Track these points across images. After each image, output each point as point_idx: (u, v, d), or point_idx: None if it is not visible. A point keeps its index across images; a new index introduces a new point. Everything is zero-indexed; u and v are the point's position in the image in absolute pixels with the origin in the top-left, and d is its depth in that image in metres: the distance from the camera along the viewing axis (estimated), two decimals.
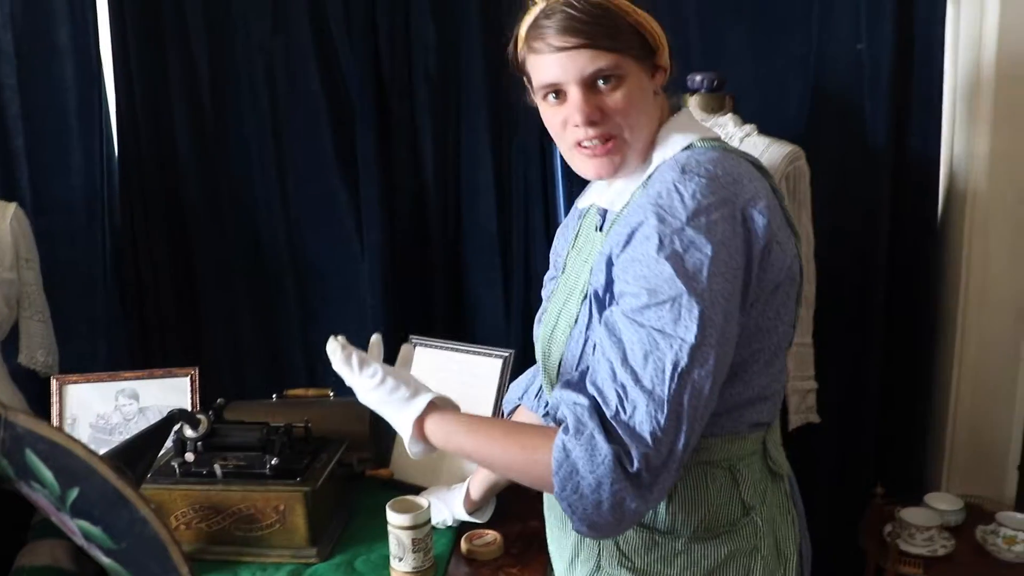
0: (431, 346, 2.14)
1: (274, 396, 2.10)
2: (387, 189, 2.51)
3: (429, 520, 1.66)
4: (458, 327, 2.59)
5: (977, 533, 2.08)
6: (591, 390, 1.04)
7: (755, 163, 1.18)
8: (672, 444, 0.99)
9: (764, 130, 1.98)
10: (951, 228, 2.34)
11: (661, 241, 1.03)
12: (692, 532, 1.19)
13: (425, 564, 1.64)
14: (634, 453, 0.98)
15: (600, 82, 1.15)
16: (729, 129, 1.96)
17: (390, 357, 1.37)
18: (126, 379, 2.10)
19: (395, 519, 1.62)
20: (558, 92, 1.18)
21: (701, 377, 1.00)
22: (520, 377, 1.66)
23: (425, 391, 1.24)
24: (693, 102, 2.00)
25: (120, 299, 2.60)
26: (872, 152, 2.27)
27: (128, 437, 1.51)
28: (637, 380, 1.00)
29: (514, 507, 1.79)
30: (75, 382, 2.09)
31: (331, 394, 2.11)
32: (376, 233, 2.51)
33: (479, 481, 1.75)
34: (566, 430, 1.03)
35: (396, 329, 2.44)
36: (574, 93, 1.15)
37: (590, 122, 1.16)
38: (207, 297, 2.68)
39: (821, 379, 2.12)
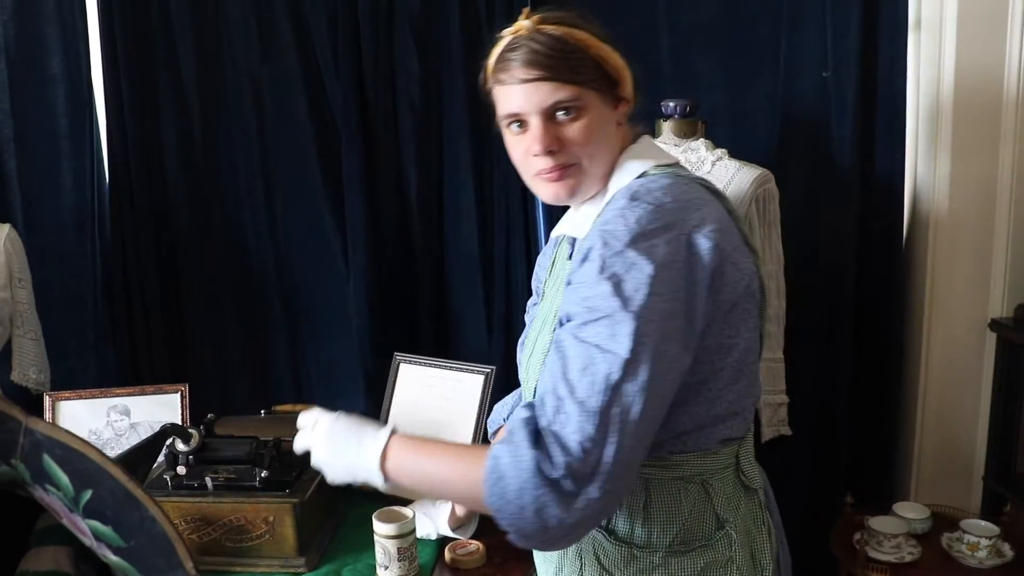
0: (415, 363, 2.21)
1: (262, 412, 2.14)
2: (372, 212, 2.57)
3: (414, 530, 1.71)
4: (442, 345, 2.65)
5: (943, 540, 2.14)
6: (535, 402, 1.07)
7: (709, 187, 1.23)
8: (600, 455, 1.00)
9: (735, 154, 2.06)
10: (916, 247, 2.43)
11: (603, 263, 1.07)
12: (668, 546, 1.22)
13: (410, 573, 1.69)
14: (557, 460, 0.99)
15: (560, 113, 1.20)
16: (701, 153, 2.04)
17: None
18: (117, 395, 2.15)
19: (381, 528, 1.68)
20: (521, 122, 1.23)
21: (633, 391, 1.02)
22: (505, 398, 1.70)
23: (382, 426, 1.20)
24: (667, 127, 2.08)
25: (110, 318, 2.64)
26: (839, 175, 2.36)
27: (122, 451, 1.55)
28: (572, 392, 1.03)
29: None
30: (67, 399, 2.13)
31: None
32: (362, 254, 2.57)
33: None
34: (502, 441, 1.06)
35: (382, 347, 2.51)
36: (535, 123, 1.21)
37: (548, 151, 1.21)
38: (196, 316, 2.72)
39: (793, 393, 2.19)
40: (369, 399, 2.59)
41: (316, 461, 1.21)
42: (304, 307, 2.74)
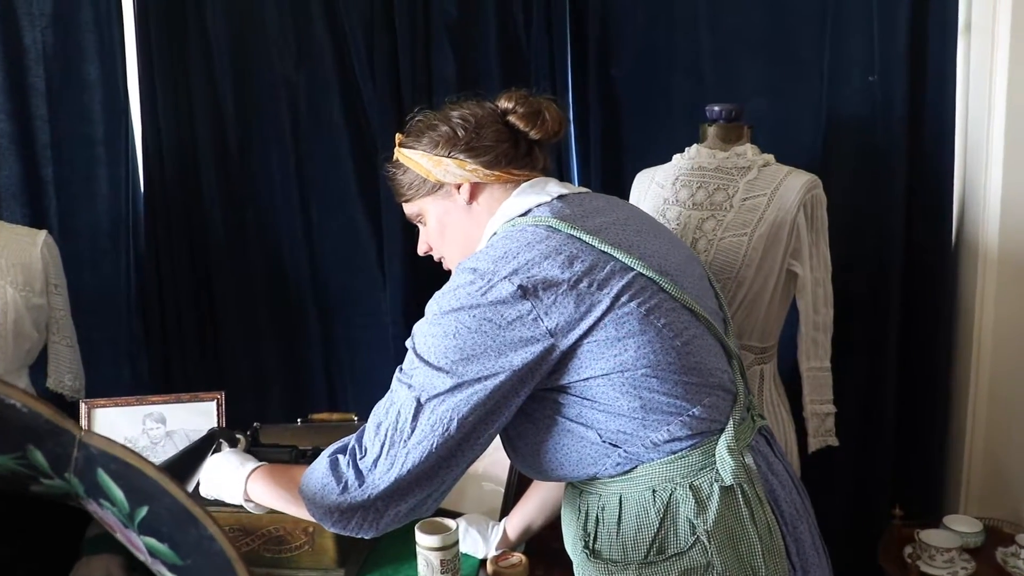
0: None
1: (299, 420, 2.12)
2: (409, 220, 2.54)
3: (457, 542, 1.67)
4: None
5: (997, 555, 2.09)
6: None
7: (564, 218, 1.28)
8: (377, 455, 1.19)
9: (781, 159, 2.02)
10: (965, 254, 2.37)
11: (426, 316, 1.25)
12: (643, 558, 1.25)
13: None
14: (344, 456, 1.23)
15: (418, 223, 1.50)
16: (748, 158, 2.00)
17: None
18: (153, 403, 2.12)
19: (424, 540, 1.64)
20: None
21: (405, 410, 1.19)
22: None
23: (253, 461, 1.45)
24: (712, 132, 2.05)
25: (144, 324, 2.64)
26: (885, 181, 2.32)
27: (172, 455, 1.53)
28: (382, 408, 1.23)
29: (540, 530, 1.81)
30: (103, 406, 2.11)
31: (355, 418, 2.13)
32: (398, 263, 2.55)
33: (516, 522, 1.78)
34: None
35: None
36: None
37: (424, 253, 1.53)
38: (230, 324, 2.71)
39: (839, 402, 2.15)
40: None
41: (201, 482, 1.47)
42: (339, 314, 2.72)
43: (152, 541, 0.78)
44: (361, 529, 1.23)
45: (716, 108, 2.04)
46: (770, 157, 2.01)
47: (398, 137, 1.47)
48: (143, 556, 0.82)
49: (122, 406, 2.12)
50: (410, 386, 1.20)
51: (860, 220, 2.35)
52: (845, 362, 2.23)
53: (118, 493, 0.76)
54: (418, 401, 1.18)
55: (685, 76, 2.50)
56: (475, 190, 1.40)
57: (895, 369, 2.39)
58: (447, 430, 1.18)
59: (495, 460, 1.99)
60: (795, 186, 1.93)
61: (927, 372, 2.41)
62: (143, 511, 0.76)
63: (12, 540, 1.04)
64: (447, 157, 1.39)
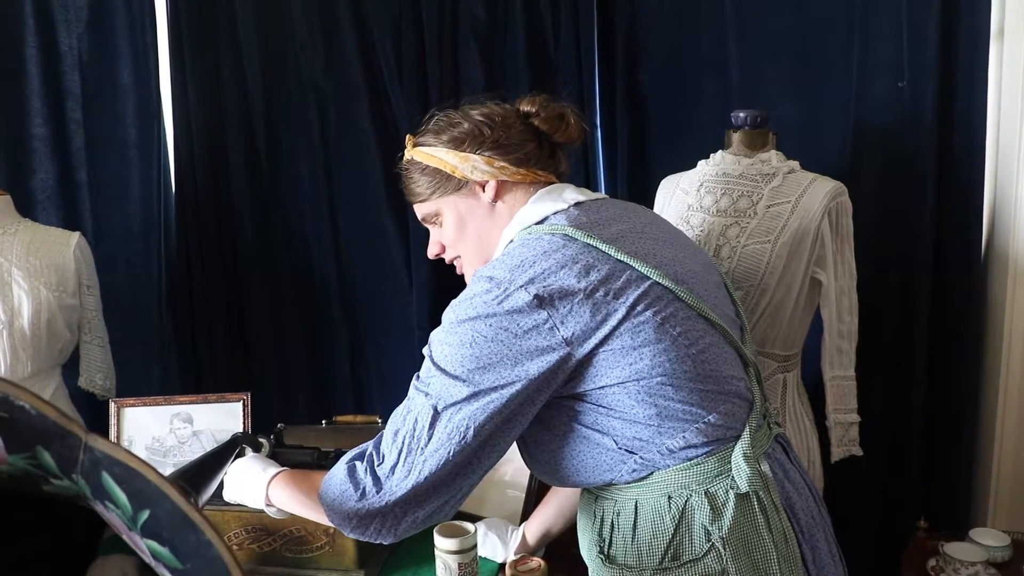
0: None
1: (323, 422, 2.15)
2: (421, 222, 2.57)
3: (475, 545, 1.68)
4: None
5: None
6: None
7: (581, 226, 1.28)
8: (395, 462, 1.20)
9: (806, 166, 2.01)
10: (995, 263, 2.34)
11: (442, 324, 1.25)
12: (658, 563, 1.26)
13: None
14: (362, 463, 1.24)
15: (431, 224, 1.48)
16: (773, 164, 1.99)
17: None
18: (181, 403, 2.16)
19: (442, 543, 1.65)
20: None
21: (422, 418, 1.20)
22: None
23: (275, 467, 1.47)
24: (736, 138, 2.04)
25: (174, 326, 2.68)
26: (914, 188, 2.29)
27: (195, 458, 1.55)
28: (399, 415, 1.24)
29: (559, 535, 1.81)
30: (132, 405, 2.15)
31: (379, 421, 2.15)
32: (425, 268, 2.56)
33: (535, 527, 1.80)
34: None
35: None
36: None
37: (435, 256, 1.53)
38: (258, 326, 2.75)
39: (865, 412, 2.12)
40: None
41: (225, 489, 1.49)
42: (366, 318, 2.75)
43: (154, 544, 0.79)
44: (379, 535, 1.24)
45: (741, 114, 2.03)
46: (795, 164, 2.00)
47: (409, 138, 1.47)
48: (147, 558, 0.83)
49: (151, 405, 2.16)
50: (427, 394, 1.21)
51: (888, 227, 2.32)
52: (871, 371, 2.20)
53: (121, 496, 0.77)
54: (435, 409, 1.19)
55: (712, 81, 2.49)
56: (500, 189, 1.40)
57: (923, 378, 2.35)
58: (464, 438, 1.18)
59: (519, 468, 2.00)
60: (820, 193, 1.92)
61: (954, 382, 2.36)
62: (145, 514, 0.77)
63: (33, 539, 1.07)
64: (474, 154, 1.39)
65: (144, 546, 0.80)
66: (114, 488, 0.77)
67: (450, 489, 1.22)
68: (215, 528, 0.76)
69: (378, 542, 1.26)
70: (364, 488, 1.22)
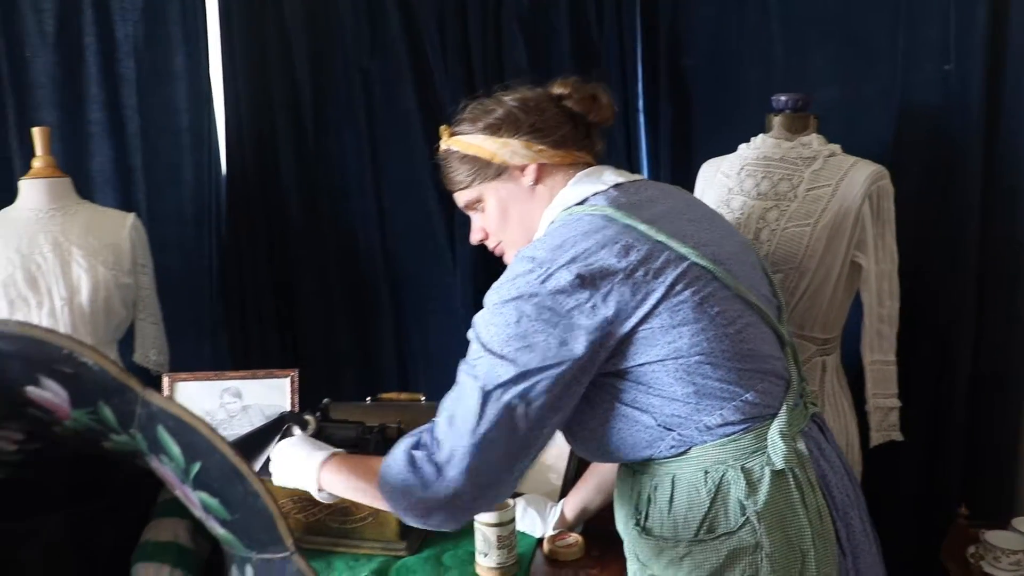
0: None
1: (368, 399, 2.20)
2: (463, 209, 2.60)
3: (514, 519, 1.72)
4: None
5: None
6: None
7: (620, 207, 1.30)
8: (452, 449, 1.20)
9: (849, 150, 2.00)
10: None
11: (484, 306, 1.27)
12: (693, 535, 1.28)
13: (508, 561, 1.70)
14: (420, 451, 1.24)
15: (473, 210, 1.51)
16: (814, 148, 1.99)
17: None
18: (231, 379, 2.23)
19: (481, 516, 1.69)
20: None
21: (472, 401, 1.20)
22: None
23: (326, 449, 1.46)
24: (777, 122, 2.04)
25: (225, 305, 2.75)
26: (959, 173, 2.26)
27: (243, 433, 1.61)
28: (450, 401, 1.25)
29: (597, 511, 1.84)
30: (184, 380, 2.22)
31: (422, 399, 2.19)
32: (468, 248, 2.59)
33: (573, 504, 1.83)
34: None
35: None
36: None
37: (479, 242, 1.56)
38: (306, 305, 2.80)
39: (905, 396, 2.12)
40: None
41: (272, 469, 1.48)
42: (410, 297, 2.79)
43: (205, 496, 0.83)
44: (443, 524, 1.25)
45: (783, 98, 2.03)
46: (836, 147, 2.00)
47: (445, 128, 1.49)
48: (198, 512, 0.87)
49: (201, 380, 2.23)
50: (475, 376, 1.22)
51: (932, 212, 2.30)
52: (913, 356, 2.19)
53: (175, 449, 0.81)
54: (483, 391, 1.20)
55: (756, 65, 2.48)
56: (541, 172, 1.43)
57: (967, 365, 2.33)
58: (512, 419, 1.20)
59: (560, 454, 2.03)
60: (861, 177, 1.92)
61: (999, 369, 2.34)
62: (196, 466, 0.81)
63: (97, 500, 1.12)
64: (513, 138, 1.42)
65: (196, 499, 0.84)
66: (168, 441, 0.81)
67: (506, 473, 1.24)
68: (261, 480, 0.80)
69: (440, 530, 1.28)
70: (425, 478, 1.22)
